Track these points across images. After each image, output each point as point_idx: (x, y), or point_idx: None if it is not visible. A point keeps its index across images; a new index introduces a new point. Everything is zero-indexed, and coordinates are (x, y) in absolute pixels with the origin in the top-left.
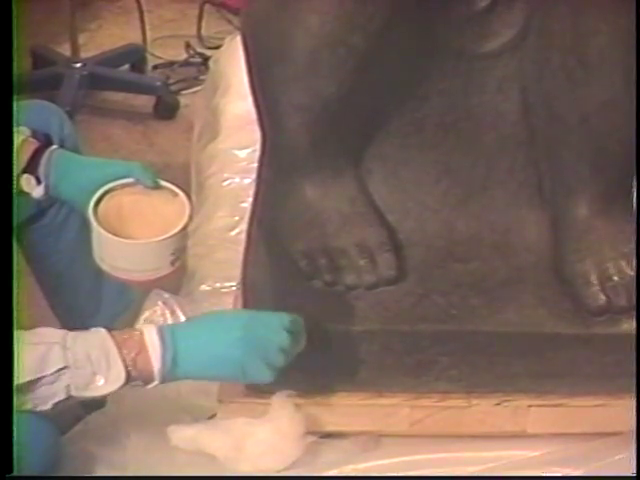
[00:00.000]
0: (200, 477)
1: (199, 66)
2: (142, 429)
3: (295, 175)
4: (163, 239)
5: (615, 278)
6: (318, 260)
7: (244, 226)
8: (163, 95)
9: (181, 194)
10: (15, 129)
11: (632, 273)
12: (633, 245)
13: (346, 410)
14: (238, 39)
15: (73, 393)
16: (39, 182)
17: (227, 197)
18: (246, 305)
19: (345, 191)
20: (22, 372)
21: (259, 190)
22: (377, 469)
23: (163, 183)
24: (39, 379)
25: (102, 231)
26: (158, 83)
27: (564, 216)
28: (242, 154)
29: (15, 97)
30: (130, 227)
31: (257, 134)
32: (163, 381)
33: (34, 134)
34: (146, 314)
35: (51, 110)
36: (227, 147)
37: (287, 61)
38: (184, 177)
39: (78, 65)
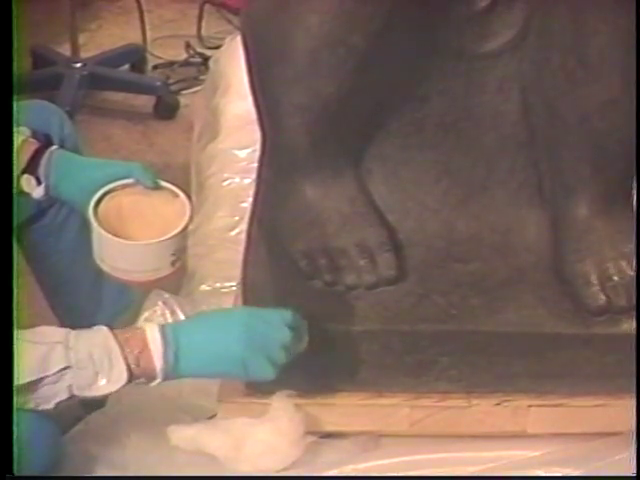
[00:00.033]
0: (200, 477)
1: (199, 66)
2: (142, 429)
3: (295, 175)
4: (163, 240)
5: (615, 278)
6: (318, 260)
7: (244, 226)
8: (163, 95)
9: (181, 194)
10: (15, 129)
11: (632, 273)
12: (633, 245)
13: (346, 410)
14: (238, 39)
15: (75, 393)
16: (39, 182)
17: (227, 197)
18: (246, 305)
19: (345, 191)
20: (24, 372)
21: (259, 190)
22: (377, 469)
23: (163, 184)
24: (41, 379)
25: (102, 232)
26: (158, 83)
27: (564, 216)
28: (242, 154)
29: (15, 97)
30: (130, 228)
31: (257, 134)
32: (166, 379)
33: (34, 134)
34: (146, 314)
35: (51, 110)
36: (227, 147)
37: (287, 61)
38: (184, 177)
39: (78, 65)
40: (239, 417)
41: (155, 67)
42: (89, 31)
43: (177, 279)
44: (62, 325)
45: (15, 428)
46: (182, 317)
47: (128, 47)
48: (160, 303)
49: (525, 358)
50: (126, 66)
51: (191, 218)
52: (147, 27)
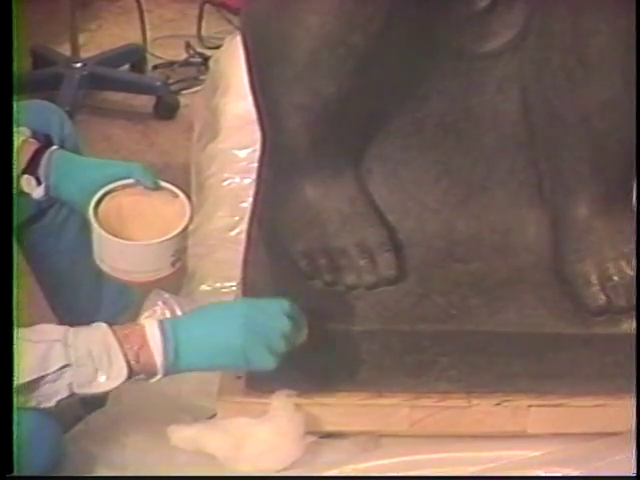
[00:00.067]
0: (200, 477)
1: (199, 66)
2: (142, 429)
3: (295, 175)
4: (164, 240)
5: (615, 278)
6: (318, 260)
7: (244, 226)
8: (163, 95)
9: (181, 195)
10: (15, 129)
11: (632, 273)
12: (633, 245)
13: (346, 410)
14: (238, 39)
15: (76, 390)
16: (39, 183)
17: (227, 197)
18: None
19: (345, 191)
20: (24, 371)
21: (259, 190)
22: (377, 469)
23: (163, 184)
24: (41, 378)
25: (102, 232)
26: (158, 83)
27: (564, 216)
28: (242, 154)
29: (15, 97)
30: (130, 228)
31: (257, 134)
32: (166, 374)
33: (34, 134)
34: (146, 314)
35: (51, 110)
36: (227, 147)
37: (287, 61)
38: (184, 177)
39: (78, 65)
40: (239, 417)
41: (155, 67)
42: (89, 31)
43: (177, 279)
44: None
45: (16, 428)
46: None
47: (128, 47)
48: (160, 303)
49: (525, 358)
50: (126, 66)
51: (191, 218)
52: (147, 27)
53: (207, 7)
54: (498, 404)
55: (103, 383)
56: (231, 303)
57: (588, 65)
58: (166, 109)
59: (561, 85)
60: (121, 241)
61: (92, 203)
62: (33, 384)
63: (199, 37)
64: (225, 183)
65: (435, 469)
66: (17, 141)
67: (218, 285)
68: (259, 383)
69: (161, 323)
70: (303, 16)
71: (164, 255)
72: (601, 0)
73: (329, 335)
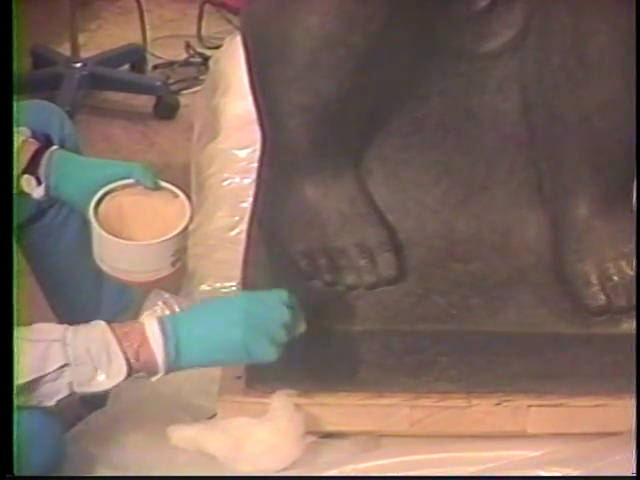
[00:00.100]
0: (200, 477)
1: (199, 66)
2: (142, 429)
3: (295, 175)
4: (164, 240)
5: (615, 278)
6: (318, 260)
7: (244, 226)
8: (163, 95)
9: (181, 195)
10: (15, 129)
11: (632, 273)
12: (633, 245)
13: (346, 410)
14: (238, 39)
15: (76, 389)
16: (39, 183)
17: (227, 197)
18: None
19: (345, 191)
20: (23, 371)
21: (259, 190)
22: (377, 469)
23: (163, 184)
24: (41, 377)
25: (102, 232)
26: (158, 83)
27: (564, 216)
28: (242, 154)
29: (15, 97)
30: (131, 228)
31: (257, 134)
32: (168, 371)
33: (34, 134)
34: (146, 314)
35: (51, 110)
36: (227, 147)
37: (287, 61)
38: (184, 177)
39: (78, 65)
40: (239, 417)
41: (155, 67)
42: (89, 31)
43: (177, 279)
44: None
45: (16, 427)
46: None
47: (128, 47)
48: (160, 303)
49: (525, 358)
50: (126, 66)
51: (191, 218)
52: (147, 27)
53: (207, 7)
54: (498, 404)
55: (103, 381)
56: (230, 297)
57: (588, 65)
58: (166, 109)
59: (561, 85)
60: (121, 241)
61: (92, 203)
62: (33, 384)
63: (199, 37)
64: (225, 183)
65: (435, 469)
66: (17, 141)
67: (218, 285)
68: (259, 383)
69: (160, 320)
70: (303, 16)
71: (164, 255)
72: (601, 0)
73: (329, 335)
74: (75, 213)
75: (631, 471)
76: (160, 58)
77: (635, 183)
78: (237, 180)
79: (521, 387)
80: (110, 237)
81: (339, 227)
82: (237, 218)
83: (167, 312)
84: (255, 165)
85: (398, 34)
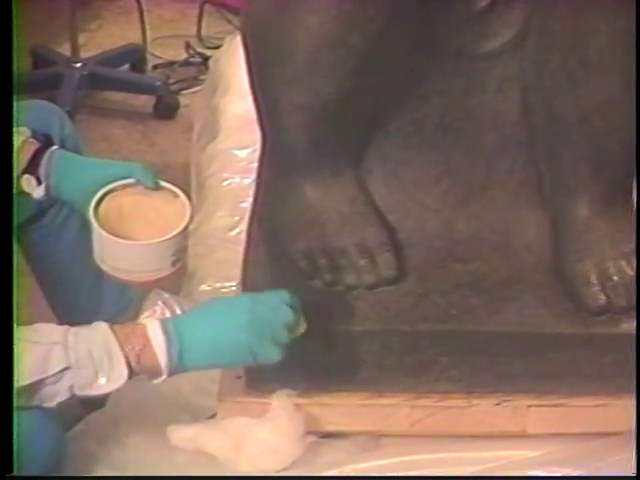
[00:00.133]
0: (200, 477)
1: (199, 66)
2: (142, 429)
3: (295, 175)
4: (164, 240)
5: (615, 278)
6: (318, 260)
7: (244, 226)
8: (163, 95)
9: (182, 195)
10: (15, 129)
11: (632, 273)
12: (633, 245)
13: (346, 410)
14: (238, 39)
15: (76, 392)
16: (40, 182)
17: (227, 197)
18: None
19: (345, 191)
20: (24, 373)
21: (259, 190)
22: (377, 469)
23: (164, 184)
24: (41, 380)
25: (103, 232)
26: (158, 83)
27: (564, 216)
28: (242, 154)
29: (15, 97)
30: (131, 228)
31: (257, 134)
32: (171, 374)
33: (34, 134)
34: (146, 314)
35: (51, 110)
36: (227, 147)
37: (287, 61)
38: (184, 177)
39: (78, 65)
40: (239, 417)
41: (155, 67)
42: (89, 31)
43: (177, 279)
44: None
45: (16, 427)
46: None
47: (128, 47)
48: (160, 303)
49: (525, 358)
50: (126, 66)
51: (191, 218)
52: (147, 27)
53: (207, 7)
54: (498, 404)
55: (103, 385)
56: (232, 299)
57: (588, 65)
58: (166, 109)
59: (561, 85)
60: (121, 241)
61: (92, 203)
62: (33, 386)
63: (199, 37)
64: (225, 183)
65: (435, 469)
66: (17, 141)
67: (218, 285)
68: (259, 383)
69: (163, 323)
70: (303, 16)
71: (164, 255)
72: (601, 0)
73: (329, 335)
74: (75, 213)
75: (631, 471)
76: (160, 58)
77: (635, 183)
78: (237, 180)
79: (521, 387)
80: (110, 237)
81: (339, 227)
82: (237, 218)
83: (167, 312)
84: (255, 165)
85: (398, 34)
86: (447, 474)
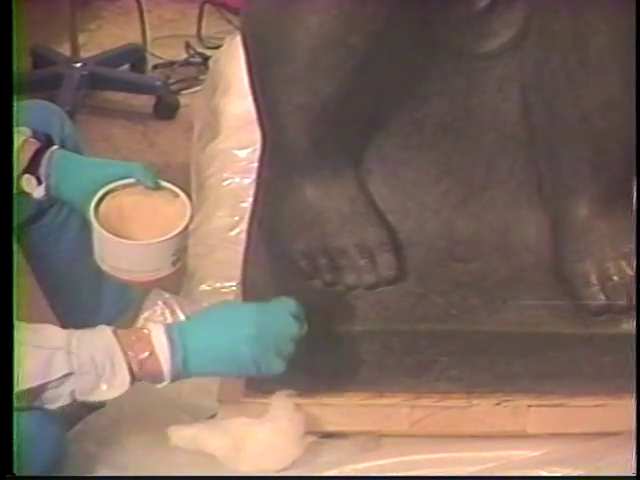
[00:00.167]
0: (200, 477)
1: (199, 66)
2: (142, 429)
3: (295, 175)
4: (164, 240)
5: (615, 278)
6: (318, 260)
7: (244, 226)
8: (163, 95)
9: (182, 195)
10: (15, 129)
11: (632, 273)
12: (633, 245)
13: (346, 410)
14: (238, 39)
15: (78, 397)
16: (40, 182)
17: (227, 197)
18: None
19: (345, 191)
20: (26, 377)
21: (259, 190)
22: (377, 469)
23: (164, 184)
24: (43, 384)
25: (103, 232)
26: (158, 83)
27: (564, 216)
28: (242, 154)
29: (15, 97)
30: (131, 228)
31: (257, 134)
32: (173, 380)
33: (35, 134)
34: (146, 314)
35: (51, 110)
36: (227, 147)
37: (287, 61)
38: (184, 177)
39: (78, 65)
40: (239, 417)
41: (155, 67)
42: (89, 31)
43: (177, 279)
44: (62, 326)
45: (16, 427)
46: (182, 317)
47: (128, 47)
48: (160, 303)
49: (525, 358)
50: (126, 66)
51: (192, 218)
52: (147, 27)
53: (207, 7)
54: (498, 404)
55: (105, 392)
56: (237, 307)
57: (588, 65)
58: (166, 109)
59: (561, 85)
60: (122, 240)
61: (93, 203)
62: (35, 390)
63: (199, 37)
64: (225, 183)
65: (435, 469)
66: (18, 141)
67: (218, 285)
68: (259, 383)
69: (167, 329)
70: (303, 16)
71: (164, 255)
72: (601, 0)
73: (329, 335)
74: (75, 213)
75: (631, 471)
76: (160, 58)
77: (635, 183)
78: (237, 180)
79: (521, 387)
80: (111, 237)
81: (339, 227)
82: (237, 218)
83: (167, 312)
84: (255, 165)
85: (398, 34)
86: (447, 474)
